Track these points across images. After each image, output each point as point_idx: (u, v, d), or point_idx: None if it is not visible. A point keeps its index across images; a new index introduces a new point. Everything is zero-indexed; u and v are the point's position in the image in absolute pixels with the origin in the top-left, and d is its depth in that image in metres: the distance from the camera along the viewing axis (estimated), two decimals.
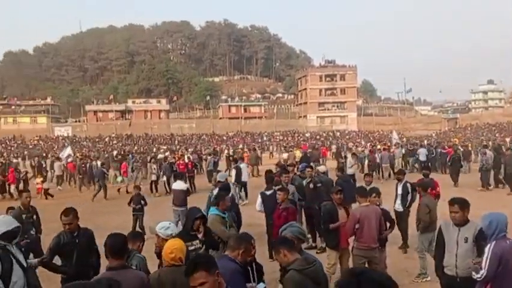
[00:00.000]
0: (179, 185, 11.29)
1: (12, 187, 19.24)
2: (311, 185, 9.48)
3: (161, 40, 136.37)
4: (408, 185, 9.18)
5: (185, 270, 2.86)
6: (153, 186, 18.99)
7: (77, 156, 28.15)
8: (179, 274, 3.20)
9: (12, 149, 53.51)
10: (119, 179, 21.25)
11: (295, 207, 7.73)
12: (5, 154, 44.17)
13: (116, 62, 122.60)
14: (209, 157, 24.37)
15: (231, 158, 24.17)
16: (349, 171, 17.12)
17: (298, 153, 26.39)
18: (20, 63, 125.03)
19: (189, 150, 38.09)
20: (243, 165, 17.10)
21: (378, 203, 7.03)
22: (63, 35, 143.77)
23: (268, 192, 8.28)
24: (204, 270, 2.77)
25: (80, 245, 5.12)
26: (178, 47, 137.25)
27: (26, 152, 46.57)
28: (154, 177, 19.09)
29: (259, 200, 8.20)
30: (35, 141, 59.66)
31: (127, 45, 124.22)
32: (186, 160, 22.70)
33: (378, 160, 22.26)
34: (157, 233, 4.62)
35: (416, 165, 24.16)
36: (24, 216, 7.50)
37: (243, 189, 15.61)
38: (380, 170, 22.12)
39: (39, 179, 19.95)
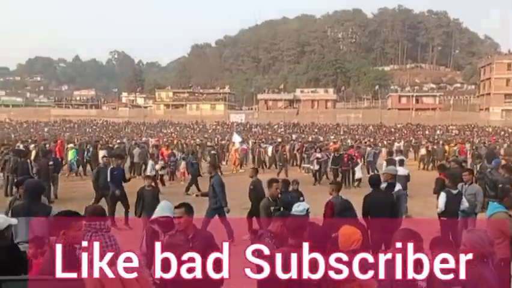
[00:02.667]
0: None
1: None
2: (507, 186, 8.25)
3: (332, 29, 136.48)
4: None
5: None
6: (317, 174, 18.79)
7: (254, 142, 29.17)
8: None
9: (194, 132, 59.61)
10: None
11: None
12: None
13: (287, 53, 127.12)
14: (369, 148, 23.60)
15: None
16: None
17: (446, 149, 23.57)
18: (204, 54, 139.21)
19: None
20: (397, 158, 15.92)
21: None
22: (241, 28, 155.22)
23: (454, 191, 7.49)
24: None
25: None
26: (349, 35, 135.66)
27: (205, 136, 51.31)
28: (316, 167, 18.92)
29: (443, 198, 7.34)
30: (214, 126, 65.46)
31: (298, 36, 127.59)
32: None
33: None
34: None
35: None
36: (272, 208, 6.96)
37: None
38: None
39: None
